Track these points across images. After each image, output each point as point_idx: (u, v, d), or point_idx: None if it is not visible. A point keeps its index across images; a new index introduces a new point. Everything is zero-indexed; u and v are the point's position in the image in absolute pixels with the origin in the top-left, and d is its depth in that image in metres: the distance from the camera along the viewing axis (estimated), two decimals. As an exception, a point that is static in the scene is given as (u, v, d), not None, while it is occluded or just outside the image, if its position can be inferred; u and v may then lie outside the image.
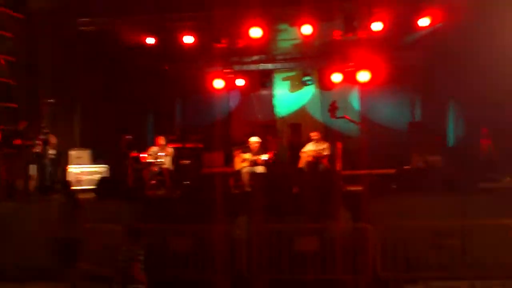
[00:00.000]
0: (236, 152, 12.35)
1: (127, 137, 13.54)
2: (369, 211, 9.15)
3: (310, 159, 12.15)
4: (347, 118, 12.71)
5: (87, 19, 13.62)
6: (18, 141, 11.11)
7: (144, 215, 9.40)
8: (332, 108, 12.66)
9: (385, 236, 8.47)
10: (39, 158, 11.76)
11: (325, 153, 12.17)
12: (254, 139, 12.27)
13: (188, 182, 11.26)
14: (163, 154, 12.09)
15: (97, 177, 12.26)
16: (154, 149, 12.19)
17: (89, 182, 12.38)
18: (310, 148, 12.34)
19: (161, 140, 12.34)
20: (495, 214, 8.35)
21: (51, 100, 11.90)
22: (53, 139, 12.25)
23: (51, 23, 13.16)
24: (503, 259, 8.21)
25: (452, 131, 14.66)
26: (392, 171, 10.91)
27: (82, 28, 13.74)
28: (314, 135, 12.46)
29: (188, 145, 14.13)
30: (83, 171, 12.65)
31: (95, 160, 13.34)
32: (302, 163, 12.43)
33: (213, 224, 9.13)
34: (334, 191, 9.99)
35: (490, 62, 13.05)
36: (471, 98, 13.61)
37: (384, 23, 12.93)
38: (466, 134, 14.13)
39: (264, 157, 11.87)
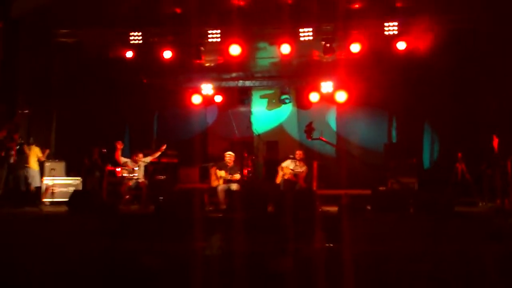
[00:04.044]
0: (212, 169, 12.29)
1: (102, 150, 13.49)
2: (343, 232, 9.16)
3: (287, 177, 12.15)
4: (323, 140, 12.81)
5: (66, 30, 13.55)
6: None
7: (117, 231, 9.28)
8: (309, 130, 12.78)
9: (358, 259, 8.47)
10: (14, 169, 11.61)
11: (303, 172, 12.18)
12: (229, 153, 12.26)
13: (162, 198, 11.12)
14: (137, 168, 11.96)
15: (71, 189, 12.13)
16: (126, 160, 12.05)
17: (63, 194, 12.24)
18: (288, 165, 12.34)
19: (140, 157, 12.19)
20: (469, 239, 8.43)
21: (26, 111, 11.76)
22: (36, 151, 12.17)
23: (30, 33, 13.05)
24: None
25: (428, 153, 14.82)
26: (367, 192, 10.94)
27: (61, 39, 13.65)
28: (298, 154, 12.45)
29: (164, 160, 14.02)
30: (57, 183, 12.48)
31: (69, 172, 13.19)
32: (279, 178, 12.41)
33: (186, 242, 9.05)
34: (310, 211, 10.01)
35: (466, 85, 13.34)
36: (446, 121, 13.84)
37: (362, 45, 13.11)
38: (441, 157, 14.31)
39: (237, 176, 11.84)
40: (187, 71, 15.39)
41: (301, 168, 12.26)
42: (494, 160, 11.17)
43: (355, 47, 13.22)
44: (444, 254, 8.45)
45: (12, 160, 11.38)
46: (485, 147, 11.77)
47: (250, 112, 16.23)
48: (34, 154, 12.13)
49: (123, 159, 12.03)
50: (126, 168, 11.92)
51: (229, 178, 11.80)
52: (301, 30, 12.99)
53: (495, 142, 11.03)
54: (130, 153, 13.52)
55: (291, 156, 12.52)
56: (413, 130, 14.97)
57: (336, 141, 15.57)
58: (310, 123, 13.48)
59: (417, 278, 8.48)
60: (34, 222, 8.08)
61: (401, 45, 13.06)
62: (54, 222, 9.73)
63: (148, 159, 12.38)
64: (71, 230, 9.17)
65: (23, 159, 11.87)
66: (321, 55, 13.97)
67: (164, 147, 12.52)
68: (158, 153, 12.53)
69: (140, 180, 11.91)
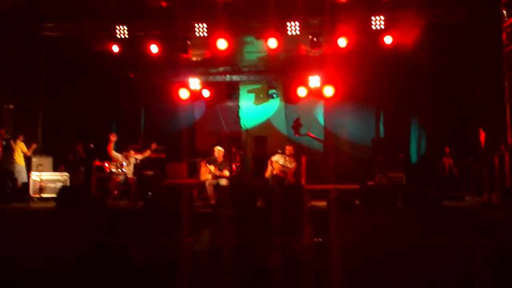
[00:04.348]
0: (202, 163, 12.21)
1: (90, 144, 13.42)
2: (332, 227, 9.20)
3: (276, 172, 12.12)
4: (311, 136, 12.82)
5: (51, 24, 13.41)
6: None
7: (106, 227, 9.23)
8: (296, 125, 12.79)
9: (347, 253, 8.50)
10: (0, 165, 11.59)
11: (292, 168, 12.14)
12: (218, 147, 12.22)
13: (150, 194, 11.08)
14: (125, 164, 11.89)
15: (58, 185, 12.05)
16: (117, 155, 11.98)
17: (51, 190, 12.14)
18: (278, 160, 12.27)
19: (131, 153, 12.16)
20: (457, 233, 8.49)
21: (11, 106, 11.63)
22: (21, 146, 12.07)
23: (14, 27, 12.89)
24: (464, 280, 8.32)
25: (415, 148, 14.90)
26: (356, 186, 10.97)
27: (46, 33, 13.51)
28: (288, 149, 12.36)
29: (151, 155, 13.95)
30: (44, 179, 12.36)
31: (56, 167, 13.09)
32: (268, 172, 12.35)
33: (176, 237, 9.02)
34: (298, 206, 10.02)
35: (453, 80, 13.42)
36: (434, 115, 13.91)
37: (349, 39, 13.13)
38: (428, 151, 14.39)
39: (226, 172, 11.79)
40: (174, 66, 15.29)
41: (291, 164, 12.19)
42: (481, 154, 11.26)
43: (342, 42, 13.24)
44: (432, 248, 8.53)
45: (-1, 157, 11.36)
46: (472, 142, 11.88)
47: (237, 107, 16.20)
48: (19, 149, 12.02)
49: (114, 153, 11.94)
50: (114, 163, 11.85)
51: (218, 174, 11.75)
52: (288, 24, 12.96)
53: (482, 136, 11.12)
54: (118, 148, 13.45)
55: (280, 151, 12.48)
56: (400, 125, 15.04)
57: (324, 136, 15.60)
58: (297, 119, 13.50)
59: (406, 271, 8.55)
60: (22, 218, 8.00)
61: (388, 40, 13.09)
62: (42, 218, 9.66)
63: (139, 157, 12.31)
64: (59, 225, 9.12)
65: (9, 154, 11.77)
66: (308, 50, 13.95)
67: (154, 145, 12.46)
68: (148, 152, 12.47)
69: (129, 176, 11.85)
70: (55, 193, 10.87)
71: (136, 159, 12.18)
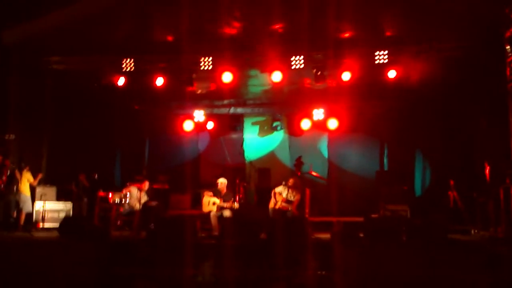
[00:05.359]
0: (205, 193, 12.15)
1: (94, 175, 13.44)
2: (336, 259, 9.12)
3: (279, 206, 12.03)
4: (313, 174, 12.82)
5: (58, 58, 13.57)
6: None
7: (108, 257, 9.17)
8: (298, 164, 12.78)
9: (350, 286, 8.41)
10: (4, 195, 11.55)
11: (295, 201, 12.07)
12: (222, 180, 12.21)
13: (153, 224, 11.03)
14: (128, 195, 11.90)
15: (62, 215, 12.07)
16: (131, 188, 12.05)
17: (54, 219, 12.17)
18: (281, 192, 12.19)
19: (146, 185, 12.24)
20: (463, 267, 8.40)
21: (12, 136, 11.71)
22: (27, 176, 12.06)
23: (21, 60, 13.03)
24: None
25: (419, 181, 14.86)
26: (360, 219, 10.91)
27: (53, 66, 13.66)
28: (290, 181, 12.29)
29: (155, 186, 13.95)
30: (47, 209, 12.37)
31: (59, 197, 13.09)
32: (271, 204, 12.27)
33: (178, 268, 8.95)
34: (302, 239, 9.95)
35: (457, 113, 13.45)
36: (438, 148, 13.92)
37: (353, 73, 13.22)
38: (432, 184, 14.34)
39: (235, 204, 11.73)
40: (179, 98, 15.40)
41: (294, 197, 12.10)
42: (486, 188, 11.21)
43: (346, 75, 13.32)
44: (438, 282, 8.42)
45: (2, 187, 11.34)
46: (477, 175, 11.83)
47: (242, 139, 16.24)
48: (26, 179, 12.01)
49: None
50: (118, 193, 11.87)
51: (226, 205, 11.67)
52: (292, 58, 13.08)
53: (487, 170, 11.08)
54: (121, 179, 13.46)
55: (283, 182, 12.41)
56: (404, 158, 15.03)
57: (327, 168, 15.62)
58: (299, 158, 13.52)
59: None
60: (25, 248, 7.97)
61: (391, 74, 13.17)
62: (44, 248, 9.62)
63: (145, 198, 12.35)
64: (61, 256, 9.06)
65: (14, 184, 11.77)
66: (312, 83, 14.04)
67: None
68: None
69: (136, 208, 11.83)
70: (58, 223, 10.85)
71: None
